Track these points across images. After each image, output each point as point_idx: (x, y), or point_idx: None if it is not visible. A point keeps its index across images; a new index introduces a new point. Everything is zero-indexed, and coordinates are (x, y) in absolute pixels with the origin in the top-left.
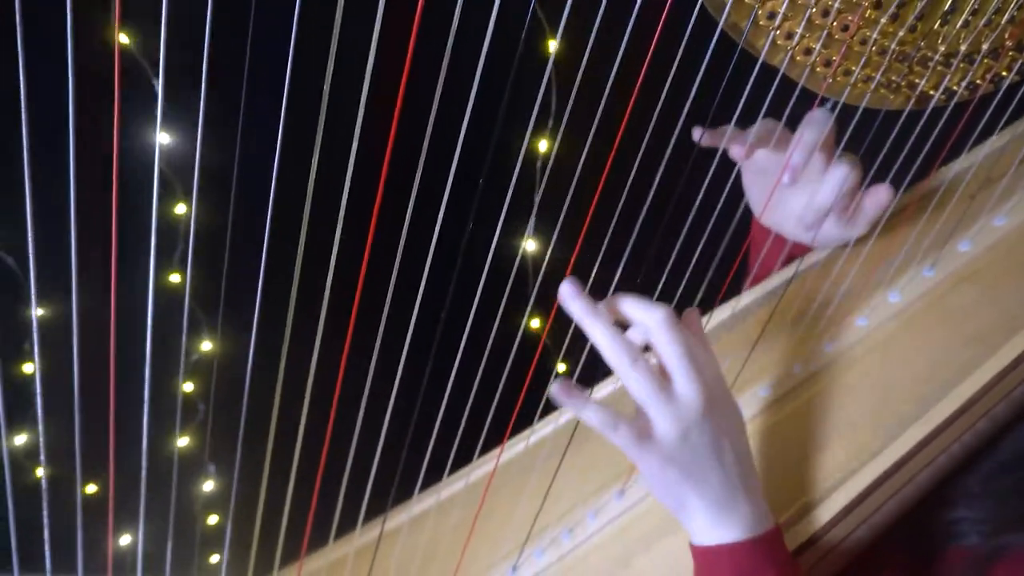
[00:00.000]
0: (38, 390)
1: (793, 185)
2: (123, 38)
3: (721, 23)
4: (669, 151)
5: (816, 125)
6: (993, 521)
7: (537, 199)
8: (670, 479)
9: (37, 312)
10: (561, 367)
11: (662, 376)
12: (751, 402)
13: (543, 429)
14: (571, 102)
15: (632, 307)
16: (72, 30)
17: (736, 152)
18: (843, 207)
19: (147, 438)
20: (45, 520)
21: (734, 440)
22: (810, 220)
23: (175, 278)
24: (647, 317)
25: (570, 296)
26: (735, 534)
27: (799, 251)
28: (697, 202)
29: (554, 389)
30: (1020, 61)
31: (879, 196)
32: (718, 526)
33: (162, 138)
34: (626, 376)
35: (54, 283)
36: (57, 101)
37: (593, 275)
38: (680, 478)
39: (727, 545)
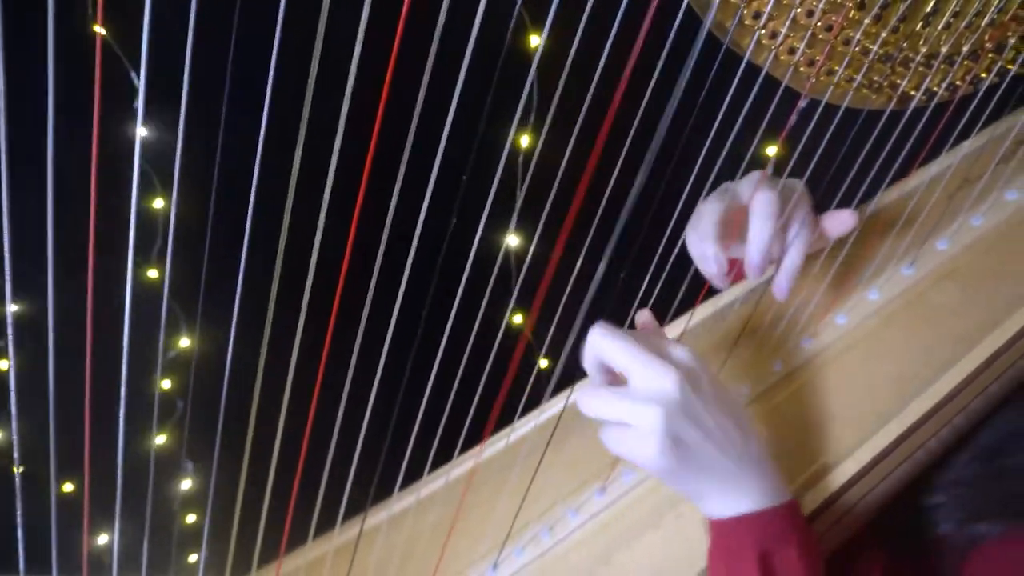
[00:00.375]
0: (12, 387)
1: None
2: (103, 31)
3: (707, 22)
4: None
5: (765, 217)
6: (967, 509)
7: (520, 195)
8: (672, 474)
9: (11, 308)
10: (543, 363)
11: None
12: None
13: (523, 427)
14: (556, 99)
15: (585, 360)
16: (52, 23)
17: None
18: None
19: (123, 436)
20: (19, 519)
21: (727, 414)
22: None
23: (153, 273)
24: (591, 346)
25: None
26: (754, 504)
27: None
28: (681, 201)
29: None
30: (999, 63)
31: (845, 221)
32: (734, 499)
33: (142, 132)
34: (589, 409)
35: (29, 279)
36: (34, 95)
37: (575, 272)
38: (681, 471)
39: (748, 515)
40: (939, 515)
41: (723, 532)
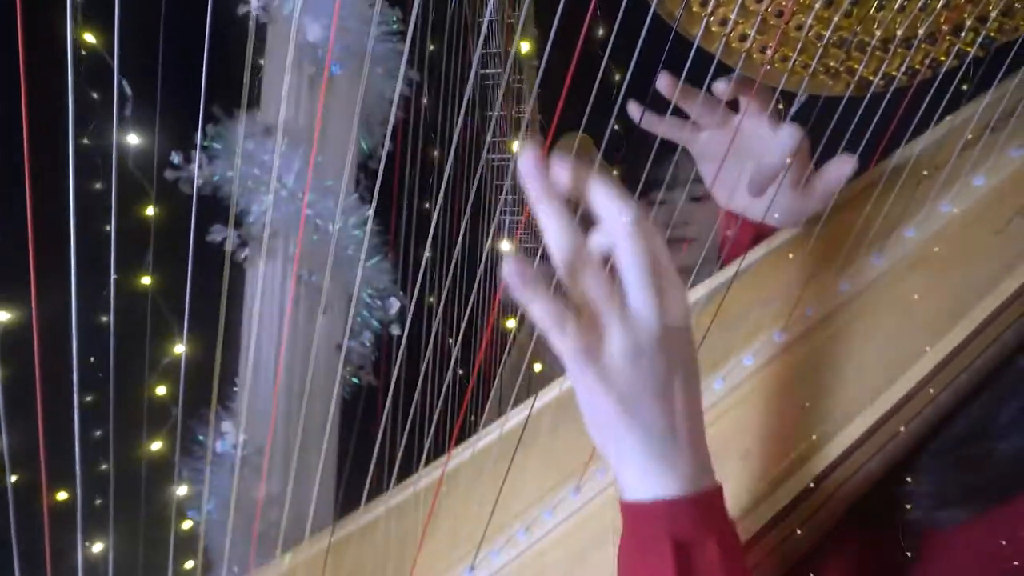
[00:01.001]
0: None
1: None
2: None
3: (653, 5)
4: (604, 144)
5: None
6: (935, 496)
7: (472, 193)
8: (609, 410)
9: None
10: (537, 367)
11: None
12: (704, 396)
13: (488, 435)
14: (501, 89)
15: (604, 199)
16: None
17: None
18: (795, 179)
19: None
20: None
21: (687, 381)
22: (759, 181)
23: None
24: (615, 217)
25: (529, 173)
26: (673, 489)
27: (767, 231)
28: (636, 194)
29: (507, 269)
30: (957, 46)
31: (843, 166)
32: (654, 477)
33: (130, 139)
34: (574, 276)
35: (13, 286)
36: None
37: (535, 264)
38: (620, 411)
39: (664, 502)
40: (908, 501)
41: (638, 516)
